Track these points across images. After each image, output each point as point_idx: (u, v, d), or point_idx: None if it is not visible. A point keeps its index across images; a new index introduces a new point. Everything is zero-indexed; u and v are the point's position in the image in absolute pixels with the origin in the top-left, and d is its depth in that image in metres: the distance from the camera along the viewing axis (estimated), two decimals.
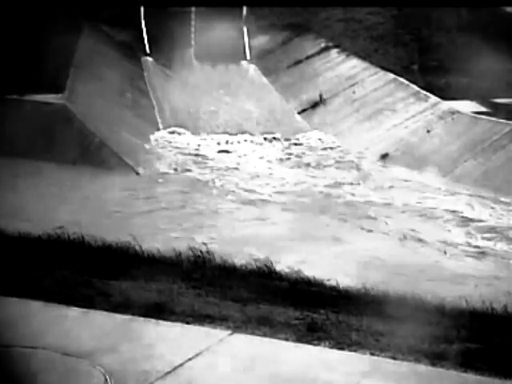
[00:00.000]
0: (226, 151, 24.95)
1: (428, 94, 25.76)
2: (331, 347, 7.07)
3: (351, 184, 21.78)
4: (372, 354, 6.92)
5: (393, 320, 7.67)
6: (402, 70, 27.89)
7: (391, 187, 21.35)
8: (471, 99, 24.77)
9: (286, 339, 7.19)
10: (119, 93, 27.56)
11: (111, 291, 8.15)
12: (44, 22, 26.10)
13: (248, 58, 32.43)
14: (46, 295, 7.77)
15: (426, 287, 10.11)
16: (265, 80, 31.12)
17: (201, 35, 32.43)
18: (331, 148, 25.23)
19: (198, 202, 19.84)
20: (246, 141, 25.98)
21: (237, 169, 23.11)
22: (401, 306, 8.22)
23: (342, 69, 29.88)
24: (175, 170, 22.83)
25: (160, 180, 21.80)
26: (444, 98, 25.15)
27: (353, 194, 20.89)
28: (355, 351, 6.99)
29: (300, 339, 7.20)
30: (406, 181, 21.94)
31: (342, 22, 32.55)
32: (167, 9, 32.18)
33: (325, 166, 23.59)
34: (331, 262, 14.46)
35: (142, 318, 7.44)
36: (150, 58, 31.82)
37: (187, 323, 7.42)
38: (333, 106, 28.06)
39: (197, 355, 6.71)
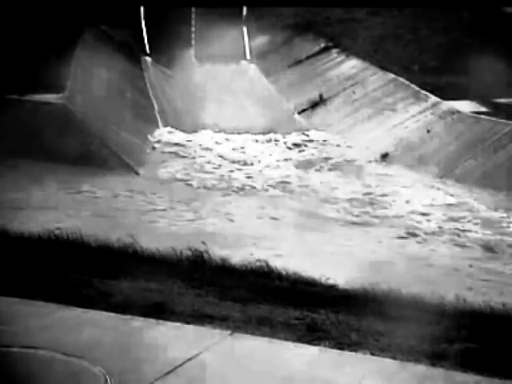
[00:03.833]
0: (226, 150, 24.96)
1: (428, 94, 25.77)
2: (331, 347, 7.06)
3: (351, 183, 21.80)
4: (372, 354, 6.92)
5: (393, 320, 7.67)
6: (402, 70, 27.90)
7: (391, 187, 21.36)
8: (471, 99, 24.78)
9: (286, 339, 7.18)
10: (119, 93, 27.56)
11: (111, 291, 8.15)
12: (44, 22, 26.12)
13: (248, 57, 32.46)
14: (46, 295, 7.76)
15: (426, 287, 10.11)
16: (265, 80, 31.13)
17: (201, 35, 32.45)
18: (331, 148, 25.23)
19: (198, 202, 19.84)
20: (245, 140, 25.99)
21: (237, 168, 23.11)
22: (401, 306, 8.22)
23: (342, 69, 29.90)
24: (175, 169, 22.84)
25: (160, 179, 21.81)
26: (444, 97, 25.16)
27: (353, 192, 20.90)
28: (355, 351, 6.98)
29: (300, 339, 7.20)
30: (406, 180, 21.95)
31: (342, 22, 32.57)
32: (167, 9, 32.21)
33: (324, 166, 23.60)
34: (332, 262, 14.45)
35: (142, 318, 7.44)
36: (149, 58, 31.84)
37: (187, 323, 7.42)
38: (333, 106, 28.07)
39: (197, 355, 6.71)
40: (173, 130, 26.46)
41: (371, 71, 28.66)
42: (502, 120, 22.81)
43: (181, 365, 6.54)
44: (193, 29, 33.02)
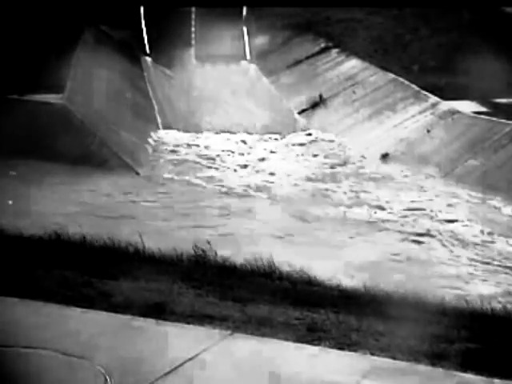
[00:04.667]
0: (226, 150, 24.96)
1: (428, 94, 25.77)
2: (331, 347, 7.05)
3: (351, 183, 21.79)
4: (372, 354, 6.92)
5: (393, 320, 7.67)
6: (402, 70, 27.91)
7: (392, 187, 21.36)
8: (471, 99, 24.79)
9: (286, 339, 7.18)
10: (119, 93, 27.56)
11: (111, 291, 8.15)
12: (44, 22, 26.12)
13: (248, 57, 32.47)
14: (46, 295, 7.76)
15: (427, 286, 10.12)
16: (265, 80, 31.14)
17: (201, 35, 32.46)
18: (331, 148, 25.23)
19: (199, 202, 19.84)
20: (245, 140, 25.99)
21: (236, 168, 23.11)
22: (401, 306, 8.21)
23: (342, 69, 29.90)
24: (175, 168, 22.84)
25: (160, 179, 21.81)
26: (444, 97, 25.17)
27: (354, 192, 20.90)
28: (355, 351, 6.98)
29: (300, 339, 7.19)
30: (406, 180, 21.94)
31: (342, 22, 32.58)
32: (167, 9, 32.22)
33: (325, 166, 23.59)
34: (332, 262, 14.46)
35: (141, 318, 7.44)
36: (149, 58, 31.85)
37: (187, 323, 7.41)
38: (333, 106, 28.07)
39: (197, 355, 6.71)
40: (173, 129, 26.46)
41: (371, 71, 28.66)
42: (502, 120, 22.82)
43: (181, 365, 6.54)
44: (193, 29, 33.04)
